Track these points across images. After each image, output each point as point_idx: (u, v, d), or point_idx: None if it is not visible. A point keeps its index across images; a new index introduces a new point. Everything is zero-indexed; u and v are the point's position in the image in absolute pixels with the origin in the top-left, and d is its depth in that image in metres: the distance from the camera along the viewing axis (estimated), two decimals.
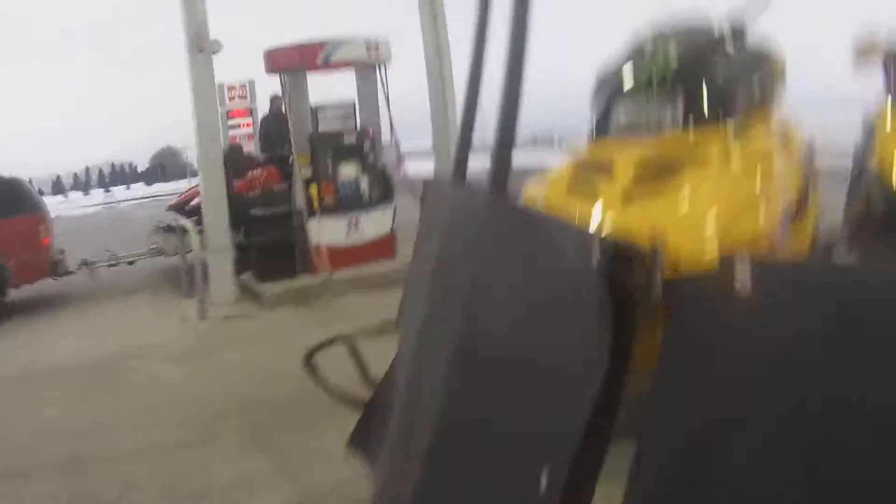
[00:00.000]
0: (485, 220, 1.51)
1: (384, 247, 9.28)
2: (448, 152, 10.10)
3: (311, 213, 8.82)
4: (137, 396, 6.00)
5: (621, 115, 3.49)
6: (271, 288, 8.53)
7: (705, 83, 3.36)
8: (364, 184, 9.17)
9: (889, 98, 4.88)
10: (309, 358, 2.75)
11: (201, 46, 8.52)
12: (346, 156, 9.14)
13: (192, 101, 8.69)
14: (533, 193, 3.36)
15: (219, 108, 12.44)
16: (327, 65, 9.19)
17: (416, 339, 1.99)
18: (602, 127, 3.60)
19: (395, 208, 9.50)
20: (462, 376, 1.46)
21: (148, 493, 4.20)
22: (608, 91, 3.63)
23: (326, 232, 8.81)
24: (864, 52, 4.96)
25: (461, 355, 1.47)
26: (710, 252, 2.69)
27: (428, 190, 2.53)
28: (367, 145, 9.34)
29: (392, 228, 9.45)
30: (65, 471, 4.63)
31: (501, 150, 1.55)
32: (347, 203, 9.02)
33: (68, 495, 4.28)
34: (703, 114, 3.30)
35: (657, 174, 3.04)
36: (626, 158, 3.17)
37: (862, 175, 5.08)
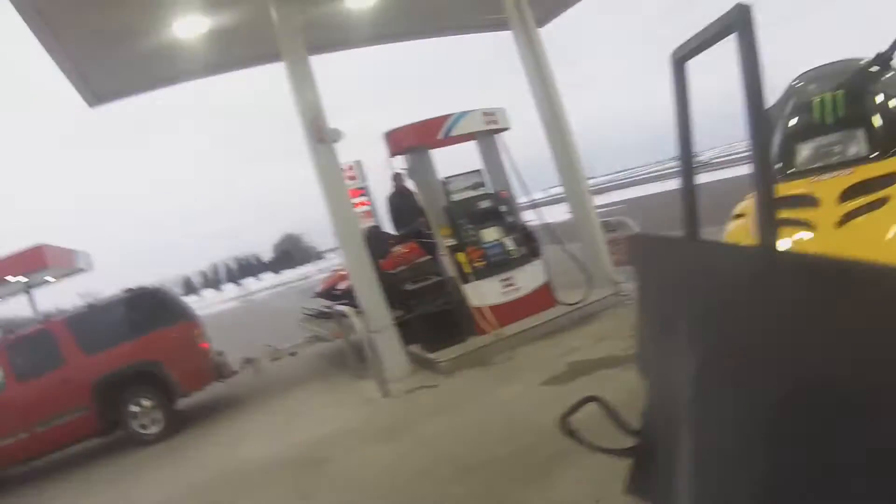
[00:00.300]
0: (778, 278, 1.42)
1: (543, 297, 9.55)
2: (580, 197, 10.36)
3: (464, 278, 9.14)
4: (355, 483, 5.90)
5: (804, 156, 3.56)
6: (445, 355, 8.76)
7: (878, 110, 3.43)
8: (509, 243, 9.48)
9: None
10: (564, 422, 2.84)
11: (321, 137, 8.91)
12: (485, 220, 9.53)
13: (322, 189, 9.06)
14: (735, 232, 3.47)
15: None
16: (447, 139, 9.66)
17: (690, 390, 2.07)
18: (782, 168, 3.65)
19: (544, 260, 9.74)
20: (797, 428, 1.51)
21: None
22: (782, 135, 3.70)
23: (483, 293, 9.13)
24: None
25: (787, 410, 1.52)
26: None
27: (637, 245, 2.58)
28: (503, 207, 9.72)
29: (547, 279, 9.70)
30: None
31: (765, 202, 1.56)
32: (497, 263, 9.35)
33: None
34: (885, 139, 3.35)
35: (861, 197, 3.11)
36: (827, 187, 3.25)
37: None
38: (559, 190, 11.50)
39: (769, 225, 1.57)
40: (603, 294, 9.45)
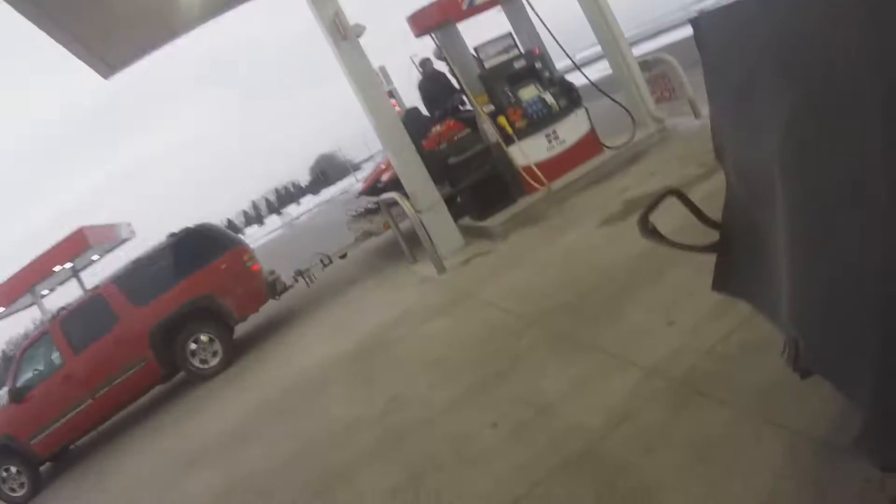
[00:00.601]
0: None
1: (589, 145, 9.30)
2: (617, 49, 9.81)
3: (508, 140, 8.85)
4: (418, 359, 5.76)
5: None
6: (497, 219, 8.61)
7: None
8: (548, 97, 9.18)
9: None
10: (645, 221, 2.64)
11: (344, 34, 8.55)
12: (521, 79, 9.23)
13: (354, 86, 8.77)
14: None
15: None
16: (472, 8, 9.30)
17: (779, 160, 1.86)
18: None
19: (586, 108, 9.42)
20: None
21: (494, 430, 3.89)
22: None
23: (529, 152, 8.85)
24: None
25: None
26: None
27: (700, 25, 2.39)
28: (538, 63, 9.37)
29: (590, 126, 9.40)
30: (391, 454, 4.33)
31: None
32: (539, 120, 9.08)
33: (408, 473, 3.97)
34: None
35: None
36: None
37: None
38: (594, 50, 11.20)
39: None
40: (648, 132, 9.21)
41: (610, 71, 10.23)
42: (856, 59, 1.37)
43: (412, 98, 12.40)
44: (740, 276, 2.52)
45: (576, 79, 9.75)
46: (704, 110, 8.99)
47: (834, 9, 1.45)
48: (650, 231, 2.68)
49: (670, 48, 11.14)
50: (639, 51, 13.10)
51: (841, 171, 1.52)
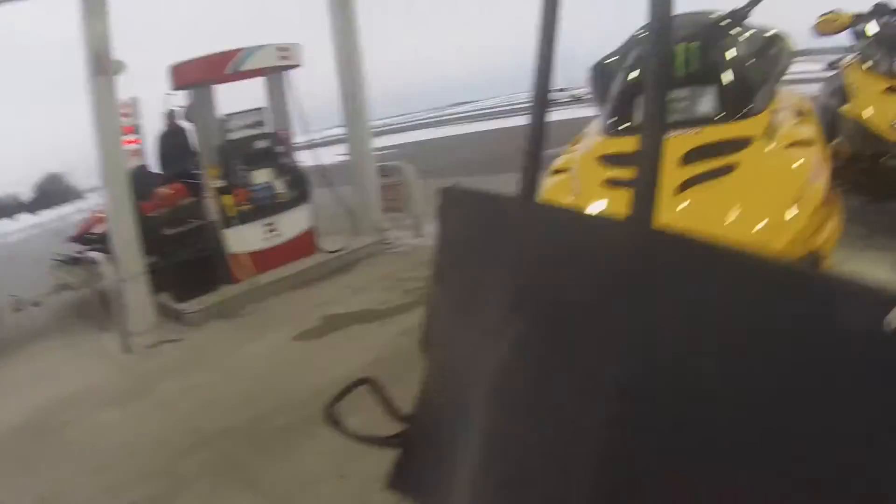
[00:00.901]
0: (636, 252, 1.24)
1: (304, 243, 9.19)
2: (361, 140, 9.99)
3: (227, 222, 8.56)
4: (81, 455, 5.25)
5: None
6: (193, 305, 8.18)
7: (730, 66, 3.28)
8: (279, 185, 9.00)
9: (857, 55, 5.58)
10: (330, 412, 2.50)
11: (104, 69, 8.03)
12: (258, 161, 8.95)
13: (94, 123, 8.14)
14: (554, 189, 3.24)
15: None
16: (236, 74, 8.99)
17: (493, 377, 1.77)
18: (617, 123, 3.41)
19: (312, 205, 9.34)
20: (642, 421, 1.18)
21: None
22: (622, 87, 3.45)
23: (243, 239, 8.61)
24: (825, 25, 5.68)
25: (635, 398, 1.19)
26: (779, 235, 2.67)
27: (448, 198, 2.36)
28: (280, 148, 9.19)
29: (311, 224, 9.32)
30: None
31: (648, 178, 1.28)
32: (263, 207, 8.85)
33: None
34: (734, 99, 3.20)
35: (706, 161, 2.91)
36: (669, 146, 3.12)
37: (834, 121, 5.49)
38: (337, 131, 11.25)
39: (650, 199, 1.27)
40: (366, 242, 9.31)
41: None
42: (612, 329, 1.24)
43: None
44: (418, 478, 2.45)
45: (316, 157, 9.70)
46: (426, 229, 9.23)
47: (611, 263, 1.31)
48: (334, 422, 2.53)
49: (414, 146, 11.47)
50: (385, 142, 13.34)
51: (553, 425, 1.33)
